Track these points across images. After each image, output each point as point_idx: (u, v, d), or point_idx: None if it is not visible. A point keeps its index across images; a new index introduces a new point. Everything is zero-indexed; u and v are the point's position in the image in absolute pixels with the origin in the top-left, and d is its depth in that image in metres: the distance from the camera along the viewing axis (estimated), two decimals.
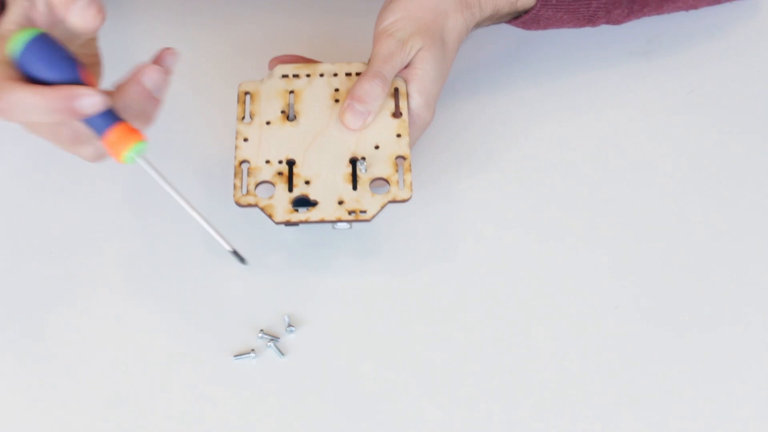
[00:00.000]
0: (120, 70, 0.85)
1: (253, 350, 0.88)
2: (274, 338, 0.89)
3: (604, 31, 1.05)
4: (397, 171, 0.90)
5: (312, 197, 0.89)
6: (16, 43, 0.80)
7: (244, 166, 0.91)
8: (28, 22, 0.82)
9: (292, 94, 0.95)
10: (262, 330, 0.89)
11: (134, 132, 0.81)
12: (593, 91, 1.04)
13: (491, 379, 0.87)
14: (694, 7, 1.05)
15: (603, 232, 0.95)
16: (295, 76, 0.95)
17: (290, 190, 0.90)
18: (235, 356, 0.88)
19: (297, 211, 0.89)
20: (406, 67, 0.95)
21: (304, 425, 0.85)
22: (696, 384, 0.87)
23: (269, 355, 0.88)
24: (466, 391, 0.87)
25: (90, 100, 0.79)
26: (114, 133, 0.80)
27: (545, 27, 1.01)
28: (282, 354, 0.88)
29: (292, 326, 0.90)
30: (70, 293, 0.92)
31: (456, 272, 0.93)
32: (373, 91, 0.92)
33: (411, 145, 0.94)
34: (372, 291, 0.92)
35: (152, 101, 0.82)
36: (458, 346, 0.89)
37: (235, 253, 0.87)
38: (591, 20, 1.01)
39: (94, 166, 0.98)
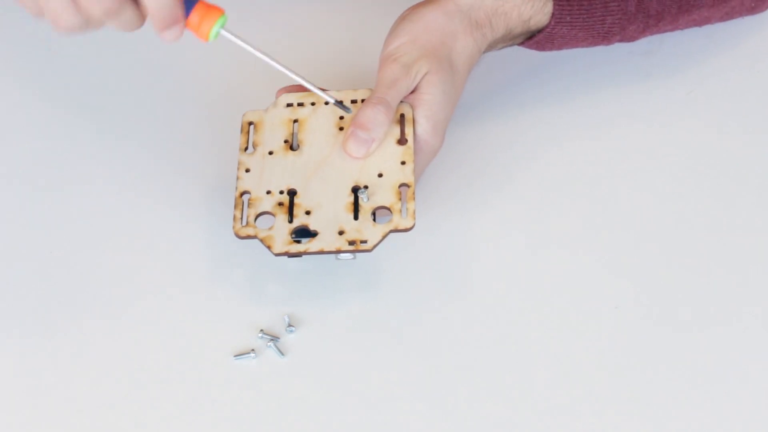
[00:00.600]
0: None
1: (253, 350, 0.89)
2: (274, 338, 0.89)
3: None
4: (400, 199, 0.89)
5: (312, 227, 0.88)
6: None
7: (245, 197, 0.90)
8: None
9: (296, 123, 0.94)
10: (262, 330, 0.90)
11: (214, 9, 0.82)
12: (592, 91, 1.04)
13: (490, 379, 0.87)
14: (708, 21, 1.04)
15: (602, 232, 0.95)
16: (300, 105, 0.95)
17: (290, 220, 0.89)
18: (235, 356, 0.88)
19: (297, 242, 0.88)
20: (413, 92, 0.93)
21: (304, 425, 0.85)
22: (696, 384, 0.87)
23: (269, 355, 0.89)
24: (464, 391, 0.87)
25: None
26: (196, 14, 0.81)
27: (560, 47, 1.00)
28: (282, 354, 0.88)
29: (292, 326, 0.90)
30: (69, 293, 0.93)
31: (453, 275, 0.93)
32: (377, 117, 0.91)
33: (419, 173, 0.93)
34: (371, 292, 0.92)
35: None
36: (457, 348, 0.89)
37: (340, 103, 0.87)
38: (606, 37, 1.00)
39: (93, 167, 0.99)
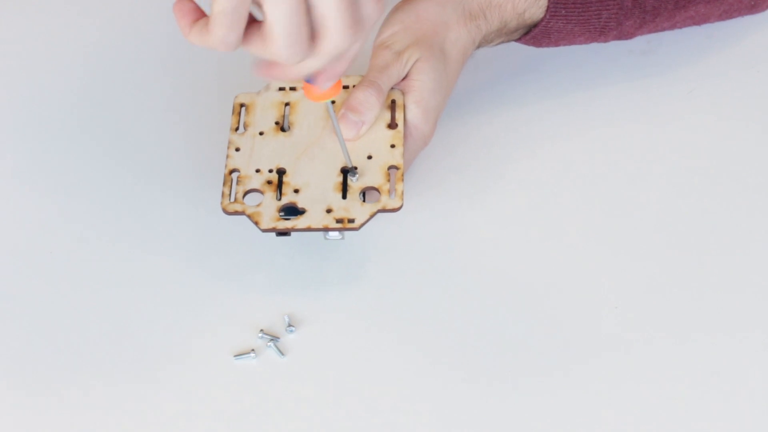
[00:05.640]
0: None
1: (253, 350, 0.89)
2: (274, 338, 0.89)
3: None
4: (389, 180, 0.90)
5: (300, 206, 0.89)
6: None
7: (234, 175, 0.91)
8: None
9: (287, 106, 0.95)
10: (262, 330, 0.90)
11: (339, 86, 0.83)
12: (592, 91, 1.04)
13: (491, 380, 0.87)
14: (707, 19, 1.04)
15: (602, 232, 0.95)
16: (292, 88, 0.96)
17: (279, 198, 0.90)
18: (235, 356, 0.88)
19: (284, 219, 0.88)
20: (404, 78, 0.94)
21: (304, 425, 0.85)
22: (696, 384, 0.86)
23: (269, 355, 0.89)
24: (464, 391, 0.87)
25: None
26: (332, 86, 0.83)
27: (557, 42, 1.00)
28: (282, 354, 0.88)
29: (292, 326, 0.90)
30: (69, 293, 0.93)
31: (455, 275, 0.93)
32: (368, 100, 0.92)
33: (411, 160, 0.94)
34: (370, 292, 0.92)
35: None
36: (457, 346, 0.89)
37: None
38: (602, 33, 1.00)
39: (93, 166, 0.99)
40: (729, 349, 0.88)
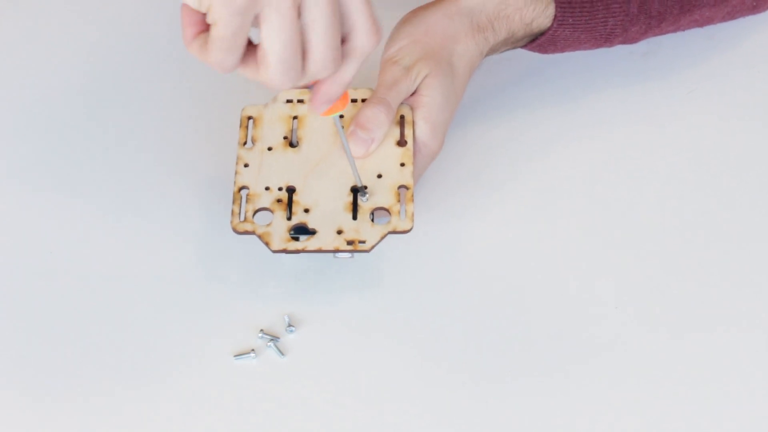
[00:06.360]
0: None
1: (253, 350, 0.89)
2: (274, 338, 0.89)
3: None
4: (399, 201, 0.89)
5: (311, 226, 0.88)
6: None
7: (243, 193, 0.90)
8: None
9: (295, 120, 0.94)
10: (262, 330, 0.90)
11: (346, 100, 0.83)
12: (593, 91, 1.04)
13: (490, 380, 0.88)
14: (710, 21, 1.04)
15: (602, 232, 0.95)
16: (300, 101, 0.95)
17: (289, 218, 0.89)
18: (235, 356, 0.89)
19: (295, 239, 0.88)
20: (413, 94, 0.94)
21: (304, 425, 0.86)
22: (695, 384, 0.87)
23: (269, 355, 0.89)
24: (464, 392, 0.87)
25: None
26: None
27: (562, 49, 1.00)
28: (282, 354, 0.89)
29: (292, 326, 0.90)
30: (69, 294, 0.93)
31: (455, 276, 0.93)
32: (377, 118, 0.91)
33: (419, 175, 0.93)
34: (371, 292, 0.92)
35: None
36: (457, 347, 0.89)
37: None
38: (608, 39, 1.00)
39: (93, 165, 0.99)
40: (729, 349, 0.89)
